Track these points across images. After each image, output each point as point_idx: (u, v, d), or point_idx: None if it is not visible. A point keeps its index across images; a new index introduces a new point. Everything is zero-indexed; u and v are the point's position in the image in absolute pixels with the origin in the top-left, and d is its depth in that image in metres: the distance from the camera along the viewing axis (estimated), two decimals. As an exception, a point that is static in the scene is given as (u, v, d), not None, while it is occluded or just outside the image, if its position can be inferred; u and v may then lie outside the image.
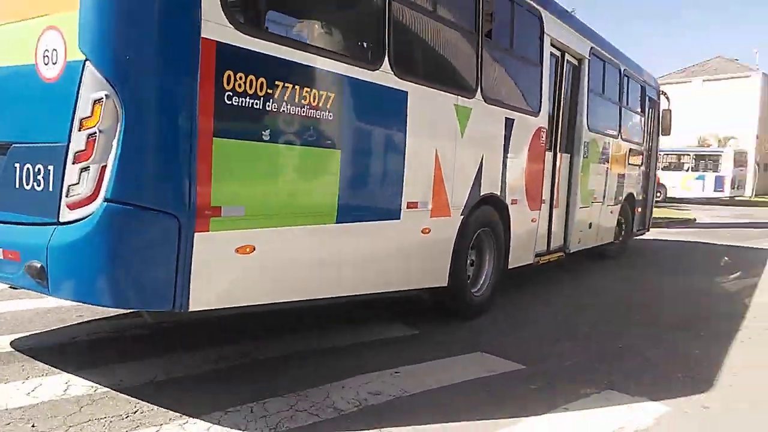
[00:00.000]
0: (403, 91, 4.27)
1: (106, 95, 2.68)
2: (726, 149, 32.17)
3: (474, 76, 5.22)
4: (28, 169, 2.97)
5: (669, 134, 11.50)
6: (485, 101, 5.33)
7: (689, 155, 31.57)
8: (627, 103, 9.46)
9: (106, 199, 2.72)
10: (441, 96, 4.78)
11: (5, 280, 3.28)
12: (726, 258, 8.77)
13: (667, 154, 30.66)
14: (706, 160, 30.31)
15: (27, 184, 2.99)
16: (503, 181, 5.79)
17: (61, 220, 2.85)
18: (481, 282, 5.69)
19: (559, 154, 7.17)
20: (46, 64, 2.86)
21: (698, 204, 27.56)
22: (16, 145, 3.05)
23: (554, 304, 6.43)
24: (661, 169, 28.39)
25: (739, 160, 31.05)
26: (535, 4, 6.24)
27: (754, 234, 14.95)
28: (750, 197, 36.29)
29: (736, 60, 49.72)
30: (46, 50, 2.84)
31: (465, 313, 5.42)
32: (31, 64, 2.91)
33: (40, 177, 2.92)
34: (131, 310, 4.05)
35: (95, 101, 2.69)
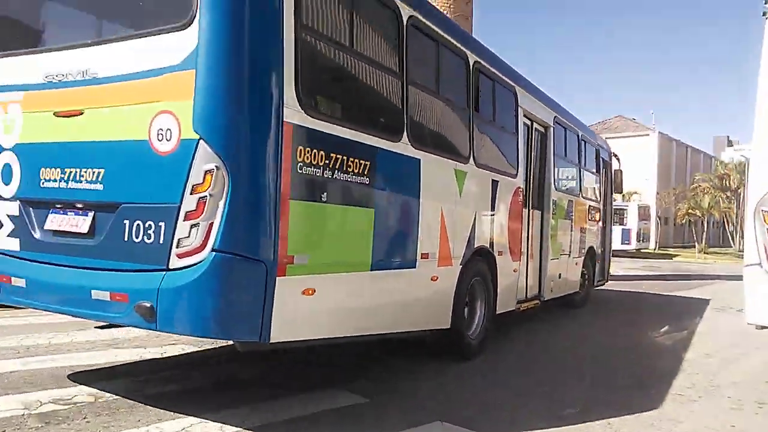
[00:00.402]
0: (417, 158, 5.10)
1: (216, 167, 3.38)
2: (631, 204, 33.66)
3: (467, 145, 6.11)
4: (137, 224, 3.60)
5: (621, 192, 12.70)
6: (476, 165, 6.21)
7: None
8: (585, 165, 10.58)
9: (213, 249, 3.38)
10: (445, 162, 5.63)
11: (108, 319, 3.86)
12: (667, 327, 9.15)
13: None
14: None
15: (136, 237, 3.61)
16: (491, 235, 6.63)
17: (170, 267, 3.48)
18: (475, 325, 6.41)
19: (532, 211, 8.09)
20: (159, 140, 3.53)
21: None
22: (125, 204, 3.68)
23: (535, 359, 7.06)
24: None
25: (643, 214, 33.09)
26: (510, 82, 7.26)
27: (673, 285, 16.25)
28: (654, 249, 38.66)
29: (634, 119, 53.63)
30: (160, 129, 3.52)
31: (463, 353, 6.11)
32: (144, 140, 3.59)
33: (150, 231, 3.55)
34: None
35: (207, 171, 3.38)
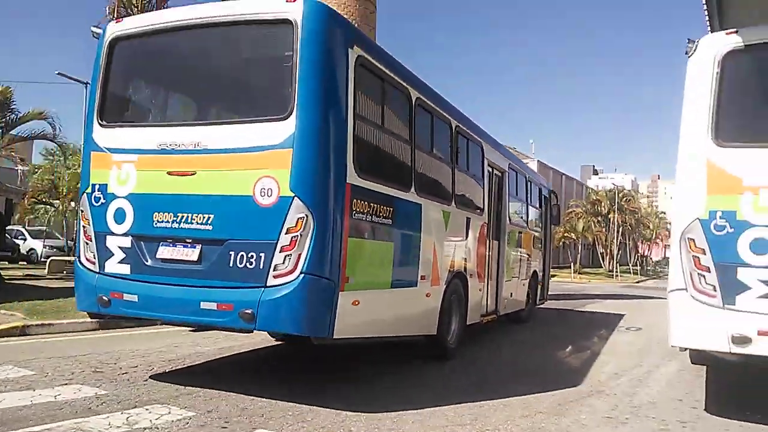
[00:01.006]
0: (419, 203, 6.74)
1: (306, 215, 4.90)
2: None
3: (451, 191, 7.80)
4: (241, 254, 5.06)
5: (558, 224, 14.77)
6: (456, 206, 7.91)
7: None
8: (531, 201, 12.54)
9: (302, 272, 4.88)
10: (437, 205, 7.31)
11: (213, 323, 5.33)
12: (570, 347, 9.53)
13: None
14: None
15: (240, 264, 5.06)
16: (465, 261, 8.31)
17: (268, 284, 4.96)
18: (452, 333, 8.01)
19: (491, 241, 9.82)
20: (262, 196, 5.01)
21: None
22: (230, 240, 5.13)
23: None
24: None
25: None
26: (479, 139, 9.05)
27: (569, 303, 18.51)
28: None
29: (515, 148, 56.30)
30: (263, 188, 5.01)
31: (443, 355, 7.70)
32: (249, 195, 5.06)
33: (252, 259, 5.01)
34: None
35: (299, 218, 4.90)
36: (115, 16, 9.19)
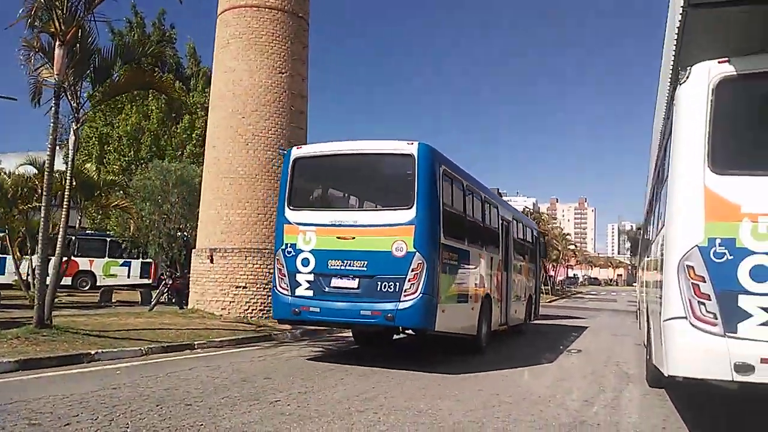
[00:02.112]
0: (468, 249, 10.84)
1: (422, 261, 8.94)
2: None
3: (482, 239, 12.01)
4: (384, 284, 9.05)
5: (546, 257, 19.26)
6: (485, 249, 12.08)
7: None
8: (527, 241, 16.84)
9: (421, 293, 8.92)
10: (475, 249, 11.43)
11: (367, 323, 9.44)
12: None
13: None
14: None
15: (384, 289, 9.05)
16: (491, 286, 12.42)
17: (401, 300, 8.95)
18: (483, 336, 12.01)
19: (503, 272, 13.95)
20: (396, 251, 9.04)
21: None
22: (378, 276, 9.12)
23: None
24: None
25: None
26: (496, 202, 13.40)
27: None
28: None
29: None
30: (397, 247, 9.04)
31: (479, 350, 11.69)
32: (389, 251, 9.09)
33: (391, 286, 9.01)
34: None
35: (418, 263, 8.93)
36: (32, 18, 10.67)
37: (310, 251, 9.65)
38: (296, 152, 10.40)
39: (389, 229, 9.22)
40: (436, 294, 9.19)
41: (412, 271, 8.97)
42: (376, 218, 9.52)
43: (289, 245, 9.79)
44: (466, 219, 10.94)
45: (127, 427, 5.44)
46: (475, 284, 11.30)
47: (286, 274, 9.73)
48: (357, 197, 11.11)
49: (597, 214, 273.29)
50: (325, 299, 9.43)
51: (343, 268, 9.36)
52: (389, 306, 9.01)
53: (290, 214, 9.97)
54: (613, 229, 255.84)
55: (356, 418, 6.13)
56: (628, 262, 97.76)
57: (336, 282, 9.41)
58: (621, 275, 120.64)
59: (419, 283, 8.93)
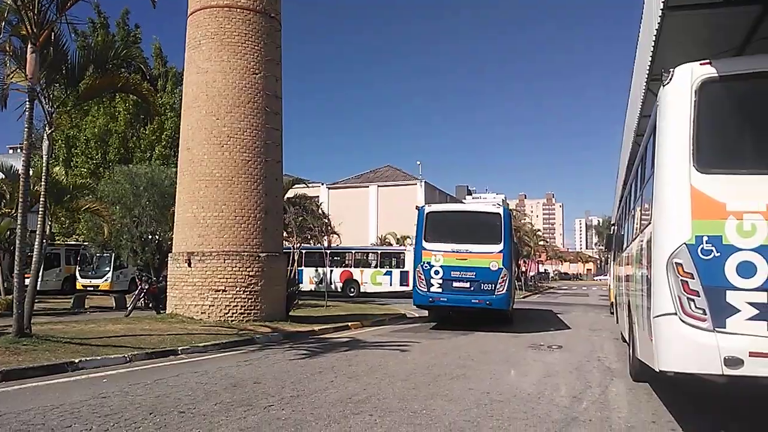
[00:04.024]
0: (512, 259, 14.33)
1: (506, 274, 15.44)
2: (407, 247, 33.89)
3: (510, 249, 16.03)
4: (485, 285, 15.64)
5: (520, 255, 23.97)
6: (512, 256, 16.07)
7: (376, 253, 35.01)
8: (514, 242, 20.81)
9: (504, 291, 15.59)
10: (511, 256, 16.61)
11: (476, 306, 15.82)
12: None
13: (356, 252, 34.89)
14: (390, 257, 33.78)
15: (484, 288, 15.67)
16: (511, 276, 15.54)
17: (494, 294, 15.62)
18: (511, 310, 17.39)
19: (513, 267, 17.28)
20: (492, 267, 15.66)
21: (390, 297, 30.11)
22: (481, 281, 15.72)
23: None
24: (353, 266, 33.82)
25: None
26: (511, 222, 17.49)
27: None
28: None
29: (401, 169, 57.33)
30: (492, 265, 15.67)
31: (510, 320, 17.37)
32: (486, 267, 15.77)
33: (488, 286, 15.62)
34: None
35: (504, 274, 15.35)
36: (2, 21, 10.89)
37: (440, 266, 15.93)
38: (428, 209, 17.18)
39: (487, 255, 15.74)
40: (511, 290, 16.92)
41: (501, 278, 15.57)
42: (480, 249, 15.82)
43: (426, 263, 16.04)
44: (515, 247, 18.11)
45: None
46: (512, 277, 17.14)
47: (424, 279, 15.98)
48: (466, 236, 16.31)
49: (565, 209, 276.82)
50: (450, 294, 15.81)
51: (460, 276, 15.72)
52: (488, 297, 15.57)
53: (426, 245, 16.21)
54: (580, 224, 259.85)
55: (353, 421, 6.15)
56: (598, 257, 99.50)
57: (456, 284, 15.74)
58: (590, 270, 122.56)
59: (504, 284, 15.61)
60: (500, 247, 15.57)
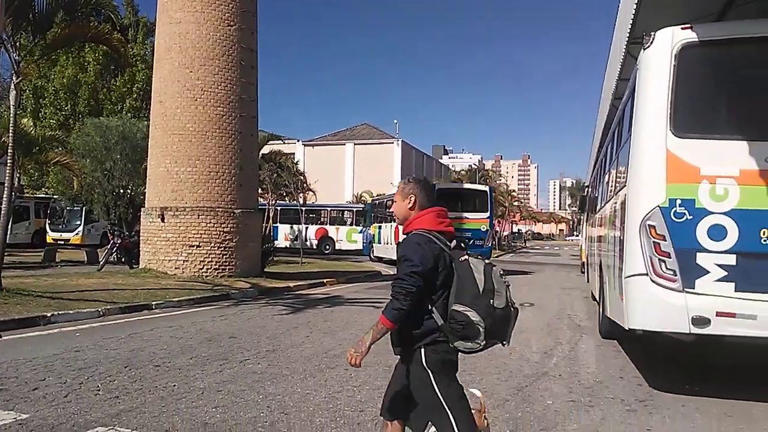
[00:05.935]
0: None
1: (489, 230, 17.90)
2: None
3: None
4: (476, 241, 19.51)
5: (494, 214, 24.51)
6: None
7: (352, 211, 34.71)
8: (494, 207, 23.22)
9: (489, 245, 19.79)
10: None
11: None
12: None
13: (332, 210, 34.59)
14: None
15: (476, 243, 19.72)
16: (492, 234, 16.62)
17: (484, 246, 19.46)
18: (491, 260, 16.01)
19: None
20: (482, 228, 19.95)
21: (365, 255, 29.95)
22: (473, 238, 19.65)
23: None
24: (328, 224, 33.60)
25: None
26: (485, 190, 22.33)
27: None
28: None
29: (378, 128, 57.06)
30: (483, 226, 20.43)
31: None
32: (479, 228, 20.61)
33: (479, 241, 19.57)
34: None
35: (490, 231, 20.56)
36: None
37: None
38: (438, 185, 21.58)
39: (479, 220, 20.63)
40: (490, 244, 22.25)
41: (488, 236, 21.10)
42: (473, 216, 20.44)
43: None
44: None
45: (99, 390, 5.36)
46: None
47: None
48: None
49: (540, 171, 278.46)
50: None
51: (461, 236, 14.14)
52: (479, 250, 17.23)
53: None
54: (555, 185, 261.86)
55: (328, 374, 6.23)
56: (570, 218, 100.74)
57: None
58: (563, 230, 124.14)
59: (489, 240, 21.08)
60: (487, 214, 21.35)
